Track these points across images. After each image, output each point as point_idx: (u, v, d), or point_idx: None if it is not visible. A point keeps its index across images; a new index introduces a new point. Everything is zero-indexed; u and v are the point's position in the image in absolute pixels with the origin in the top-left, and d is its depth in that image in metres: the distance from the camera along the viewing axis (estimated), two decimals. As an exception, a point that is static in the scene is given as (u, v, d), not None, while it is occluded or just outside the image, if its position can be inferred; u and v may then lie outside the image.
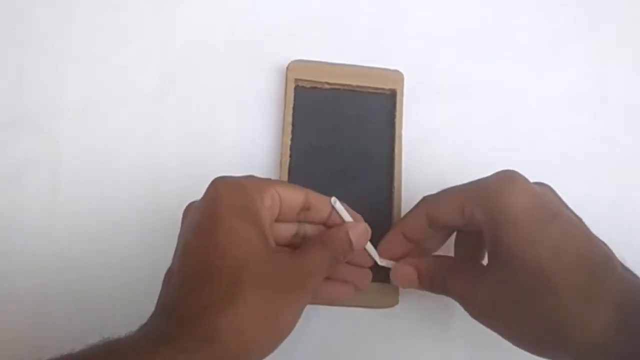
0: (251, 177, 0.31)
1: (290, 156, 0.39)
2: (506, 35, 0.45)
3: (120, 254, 0.39)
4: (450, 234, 0.36)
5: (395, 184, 0.39)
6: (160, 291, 0.29)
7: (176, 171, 0.40)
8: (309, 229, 0.34)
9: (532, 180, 0.31)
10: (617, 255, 0.30)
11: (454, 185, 0.33)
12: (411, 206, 0.35)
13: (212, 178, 0.30)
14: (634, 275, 0.30)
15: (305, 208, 0.32)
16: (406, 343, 0.38)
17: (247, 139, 0.41)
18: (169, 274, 0.30)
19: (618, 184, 0.43)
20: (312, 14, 0.45)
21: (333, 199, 0.33)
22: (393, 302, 0.37)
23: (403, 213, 0.37)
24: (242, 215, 0.29)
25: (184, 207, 0.31)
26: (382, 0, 0.46)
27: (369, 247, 0.34)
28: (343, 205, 0.33)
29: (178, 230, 0.31)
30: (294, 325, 0.29)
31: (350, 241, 0.32)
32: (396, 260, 0.35)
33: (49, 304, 0.38)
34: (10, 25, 0.43)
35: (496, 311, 0.31)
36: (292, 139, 0.40)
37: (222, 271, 0.27)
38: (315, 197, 0.33)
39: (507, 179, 0.30)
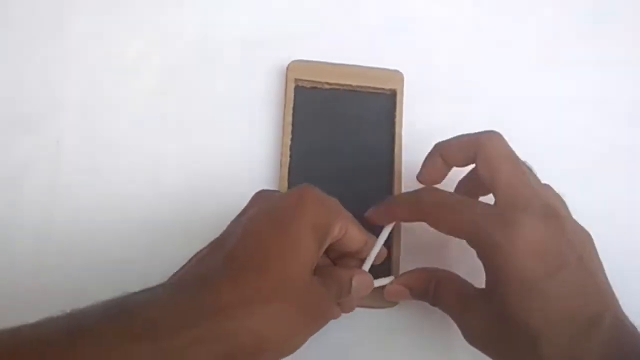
0: (335, 200, 0.32)
1: (290, 156, 0.39)
2: (506, 35, 0.46)
3: (120, 254, 0.39)
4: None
5: (395, 184, 0.39)
6: (193, 259, 0.29)
7: (176, 171, 0.40)
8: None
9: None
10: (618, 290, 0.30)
11: (453, 198, 0.33)
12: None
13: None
14: (627, 333, 0.29)
15: (357, 251, 0.33)
16: (406, 343, 0.38)
17: (247, 139, 0.41)
18: (214, 246, 0.29)
19: (618, 184, 0.43)
20: (312, 14, 0.45)
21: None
22: (393, 302, 0.37)
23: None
24: (315, 232, 0.29)
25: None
26: (382, 1, 0.46)
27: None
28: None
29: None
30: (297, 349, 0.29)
31: (350, 287, 0.32)
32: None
33: (48, 304, 0.38)
34: (11, 25, 0.43)
35: (484, 343, 0.31)
36: (292, 139, 0.40)
37: (273, 273, 0.27)
38: (369, 242, 0.34)
39: (511, 226, 0.29)
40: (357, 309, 0.38)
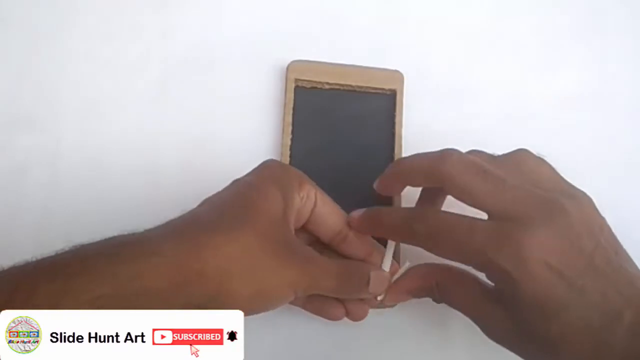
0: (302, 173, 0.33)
1: (290, 156, 0.39)
2: (506, 35, 0.46)
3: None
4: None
5: (395, 184, 0.39)
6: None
7: (176, 171, 0.40)
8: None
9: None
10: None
11: (450, 219, 0.30)
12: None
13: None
14: None
15: (342, 237, 0.33)
16: (405, 343, 0.38)
17: (247, 139, 0.41)
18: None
19: (618, 183, 0.43)
20: (312, 14, 0.45)
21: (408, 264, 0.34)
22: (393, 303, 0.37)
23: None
24: (276, 184, 0.30)
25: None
26: (382, 1, 0.46)
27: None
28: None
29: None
30: (280, 300, 0.29)
31: (368, 283, 0.31)
32: None
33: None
34: (11, 25, 0.43)
35: (512, 341, 0.30)
36: (292, 139, 0.40)
37: (239, 212, 0.28)
38: (374, 252, 0.33)
39: (518, 249, 0.27)
40: (357, 309, 0.38)
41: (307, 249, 0.31)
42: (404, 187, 0.34)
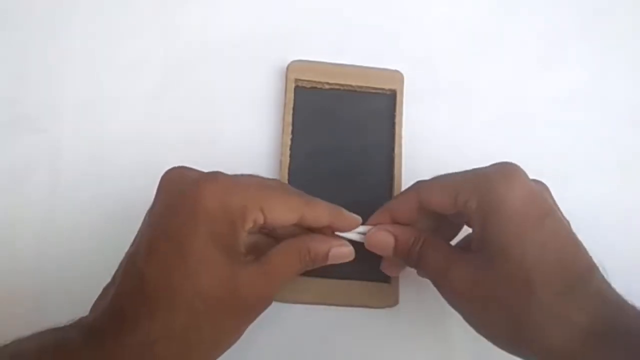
0: (241, 187, 0.30)
1: (290, 156, 0.39)
2: (506, 35, 0.46)
3: (120, 254, 0.39)
4: (438, 220, 0.35)
5: (395, 184, 0.39)
6: (104, 295, 0.30)
7: (176, 171, 0.40)
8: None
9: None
10: (597, 263, 0.30)
11: (448, 173, 0.33)
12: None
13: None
14: (612, 291, 0.29)
15: (297, 225, 0.32)
16: (406, 343, 0.38)
17: (247, 139, 0.41)
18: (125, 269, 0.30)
19: (618, 183, 0.43)
20: (312, 14, 0.45)
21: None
22: (393, 302, 0.37)
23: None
24: (218, 241, 0.28)
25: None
26: (382, 0, 0.46)
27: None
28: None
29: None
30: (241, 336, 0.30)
31: (327, 257, 0.32)
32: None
33: (48, 304, 0.38)
34: (11, 24, 0.43)
35: (472, 297, 0.30)
36: (292, 139, 0.40)
37: (183, 306, 0.28)
38: (311, 213, 0.32)
39: (507, 172, 0.30)
40: (357, 309, 0.38)
41: (262, 279, 0.30)
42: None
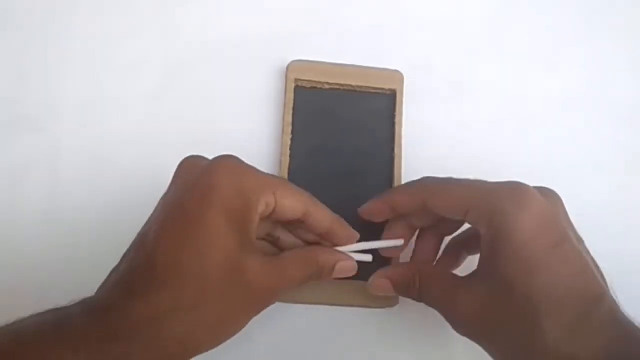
0: (255, 172, 0.30)
1: (290, 156, 0.39)
2: (506, 36, 0.46)
3: (120, 253, 0.39)
4: (439, 217, 0.34)
5: (395, 184, 0.39)
6: (116, 270, 0.29)
7: (176, 171, 0.40)
8: (283, 234, 0.34)
9: (535, 182, 0.31)
10: (610, 285, 0.30)
11: (458, 180, 0.32)
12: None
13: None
14: (624, 317, 0.28)
15: (301, 221, 0.32)
16: (406, 343, 0.38)
17: (247, 139, 0.41)
18: (140, 241, 0.29)
19: (618, 183, 0.43)
20: (312, 14, 0.45)
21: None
22: (393, 302, 0.37)
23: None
24: (231, 219, 0.28)
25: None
26: (381, 1, 0.46)
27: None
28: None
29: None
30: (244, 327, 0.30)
31: (333, 270, 0.33)
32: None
33: (48, 303, 0.38)
34: (11, 25, 0.43)
35: (482, 325, 0.30)
36: (292, 139, 0.40)
37: (194, 277, 0.27)
38: (316, 212, 0.32)
39: (518, 196, 0.29)
40: (357, 309, 0.38)
41: (273, 274, 0.30)
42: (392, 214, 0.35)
